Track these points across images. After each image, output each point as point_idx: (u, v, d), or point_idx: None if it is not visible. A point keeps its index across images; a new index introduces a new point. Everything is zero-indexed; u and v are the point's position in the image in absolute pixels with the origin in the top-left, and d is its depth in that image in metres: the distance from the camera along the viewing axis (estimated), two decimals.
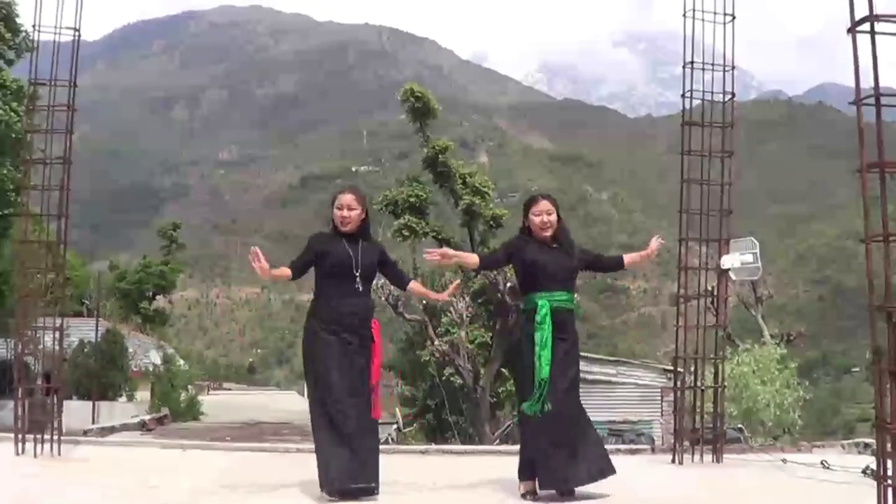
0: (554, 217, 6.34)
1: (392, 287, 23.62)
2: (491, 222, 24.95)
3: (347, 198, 6.30)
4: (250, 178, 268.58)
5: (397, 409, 29.88)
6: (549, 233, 6.33)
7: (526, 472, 6.21)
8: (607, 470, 6.14)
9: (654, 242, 6.90)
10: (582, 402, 6.31)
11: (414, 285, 6.86)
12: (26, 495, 6.09)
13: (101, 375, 28.95)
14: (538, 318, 6.11)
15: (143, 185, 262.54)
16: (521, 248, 6.37)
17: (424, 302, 24.39)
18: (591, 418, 6.34)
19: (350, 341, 6.07)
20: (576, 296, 6.53)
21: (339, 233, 6.30)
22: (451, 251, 6.61)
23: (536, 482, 6.14)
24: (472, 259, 6.72)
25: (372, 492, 5.87)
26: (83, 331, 31.64)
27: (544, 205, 6.37)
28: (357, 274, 6.17)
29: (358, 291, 6.18)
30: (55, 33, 8.41)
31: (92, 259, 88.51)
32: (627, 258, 6.89)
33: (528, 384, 6.15)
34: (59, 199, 8.46)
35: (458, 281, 6.86)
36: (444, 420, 25.32)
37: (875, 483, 4.62)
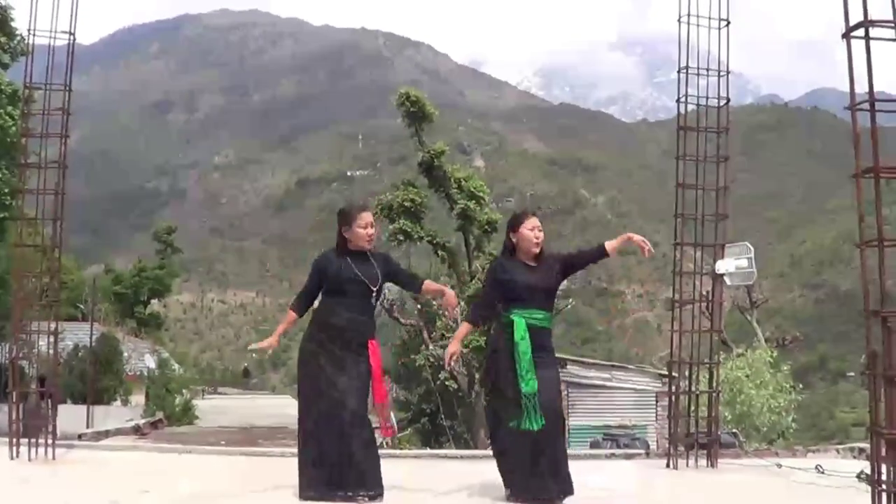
0: (543, 234, 6.38)
1: (386, 291, 23.66)
2: (486, 227, 24.94)
3: (370, 217, 6.34)
4: (247, 182, 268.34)
5: (391, 414, 29.86)
6: (537, 249, 6.35)
7: (508, 481, 6.21)
8: (569, 490, 6.12)
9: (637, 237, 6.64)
10: (567, 411, 6.33)
11: (428, 284, 6.79)
12: (20, 499, 6.08)
13: (95, 379, 28.90)
14: (517, 335, 6.15)
15: (140, 189, 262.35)
16: (505, 270, 6.39)
17: (419, 306, 24.39)
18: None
19: (341, 356, 6.09)
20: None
21: (345, 250, 6.31)
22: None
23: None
24: (465, 328, 6.73)
25: (352, 499, 5.89)
26: (78, 335, 31.63)
27: (536, 220, 6.40)
28: (365, 290, 6.23)
29: (360, 307, 6.21)
30: (50, 37, 8.42)
31: (88, 262, 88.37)
32: (609, 244, 6.59)
33: (502, 398, 6.19)
34: (55, 202, 8.46)
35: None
36: (438, 425, 25.29)
37: (869, 488, 4.62)
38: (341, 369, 6.04)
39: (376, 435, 6.14)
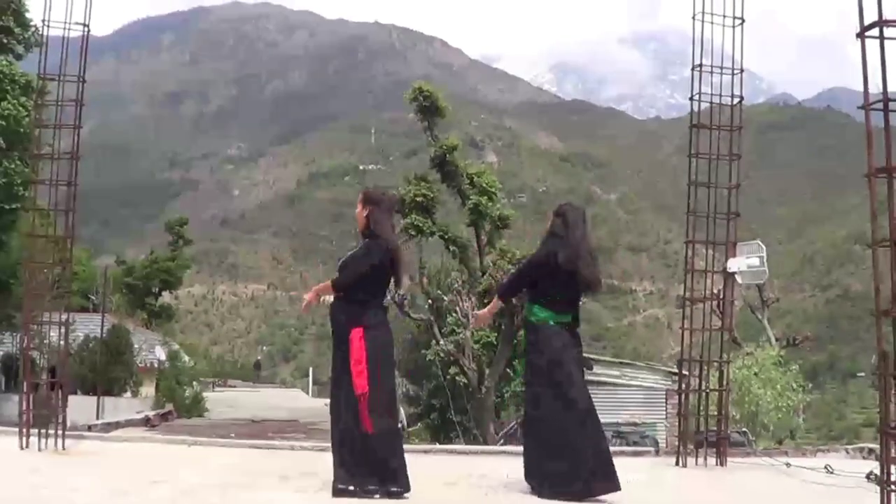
0: None
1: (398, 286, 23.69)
2: (498, 222, 24.92)
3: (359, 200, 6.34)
4: (258, 174, 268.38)
5: (401, 409, 29.89)
6: None
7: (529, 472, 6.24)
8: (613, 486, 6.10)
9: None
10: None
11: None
12: (29, 489, 6.10)
13: (106, 371, 28.99)
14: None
15: (152, 180, 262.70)
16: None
17: (430, 301, 24.40)
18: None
19: (337, 347, 6.08)
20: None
21: None
22: (487, 313, 7.18)
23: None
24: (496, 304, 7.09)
25: (372, 493, 5.85)
26: (89, 326, 31.74)
27: None
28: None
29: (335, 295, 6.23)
30: (65, 28, 8.43)
31: (99, 253, 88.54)
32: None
33: (532, 387, 6.29)
34: (67, 193, 8.48)
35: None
36: (448, 420, 25.32)
37: (878, 488, 4.61)
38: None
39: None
